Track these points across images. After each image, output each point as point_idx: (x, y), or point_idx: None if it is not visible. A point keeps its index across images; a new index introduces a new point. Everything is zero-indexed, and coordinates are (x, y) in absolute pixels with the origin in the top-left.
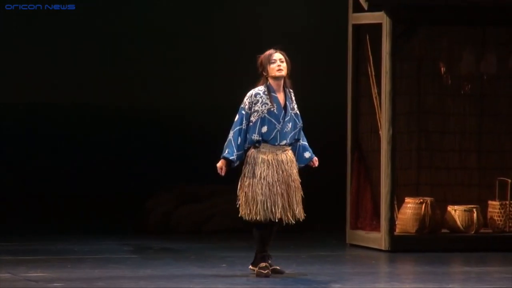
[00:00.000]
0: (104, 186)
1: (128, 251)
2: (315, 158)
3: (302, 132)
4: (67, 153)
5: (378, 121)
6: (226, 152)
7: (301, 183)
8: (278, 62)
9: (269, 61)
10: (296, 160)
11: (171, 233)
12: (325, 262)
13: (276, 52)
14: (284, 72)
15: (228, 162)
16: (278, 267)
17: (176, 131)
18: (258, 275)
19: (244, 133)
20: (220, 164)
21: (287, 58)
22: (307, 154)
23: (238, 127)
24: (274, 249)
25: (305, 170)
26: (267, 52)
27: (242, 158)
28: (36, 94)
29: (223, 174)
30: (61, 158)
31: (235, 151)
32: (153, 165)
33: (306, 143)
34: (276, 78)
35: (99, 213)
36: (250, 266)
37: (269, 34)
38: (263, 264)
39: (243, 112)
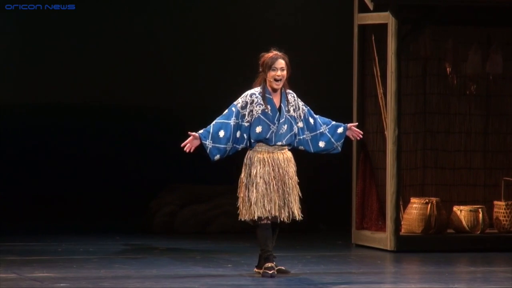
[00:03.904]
0: (109, 186)
1: (133, 251)
2: (349, 125)
3: (319, 118)
4: (70, 153)
5: (384, 121)
6: (201, 131)
7: (306, 183)
8: (278, 72)
9: (270, 67)
10: (337, 141)
11: (175, 234)
12: (331, 262)
13: (279, 58)
14: (281, 85)
15: (199, 140)
16: (283, 268)
17: (181, 131)
18: (264, 275)
19: (231, 129)
20: (188, 140)
21: (288, 63)
22: (340, 130)
23: (223, 120)
24: (280, 250)
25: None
26: (271, 55)
27: (224, 154)
28: (37, 94)
29: (186, 149)
30: (64, 157)
31: (209, 137)
32: (157, 165)
33: (330, 122)
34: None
35: (104, 214)
36: (255, 269)
37: (274, 34)
38: (268, 264)
39: (233, 108)
